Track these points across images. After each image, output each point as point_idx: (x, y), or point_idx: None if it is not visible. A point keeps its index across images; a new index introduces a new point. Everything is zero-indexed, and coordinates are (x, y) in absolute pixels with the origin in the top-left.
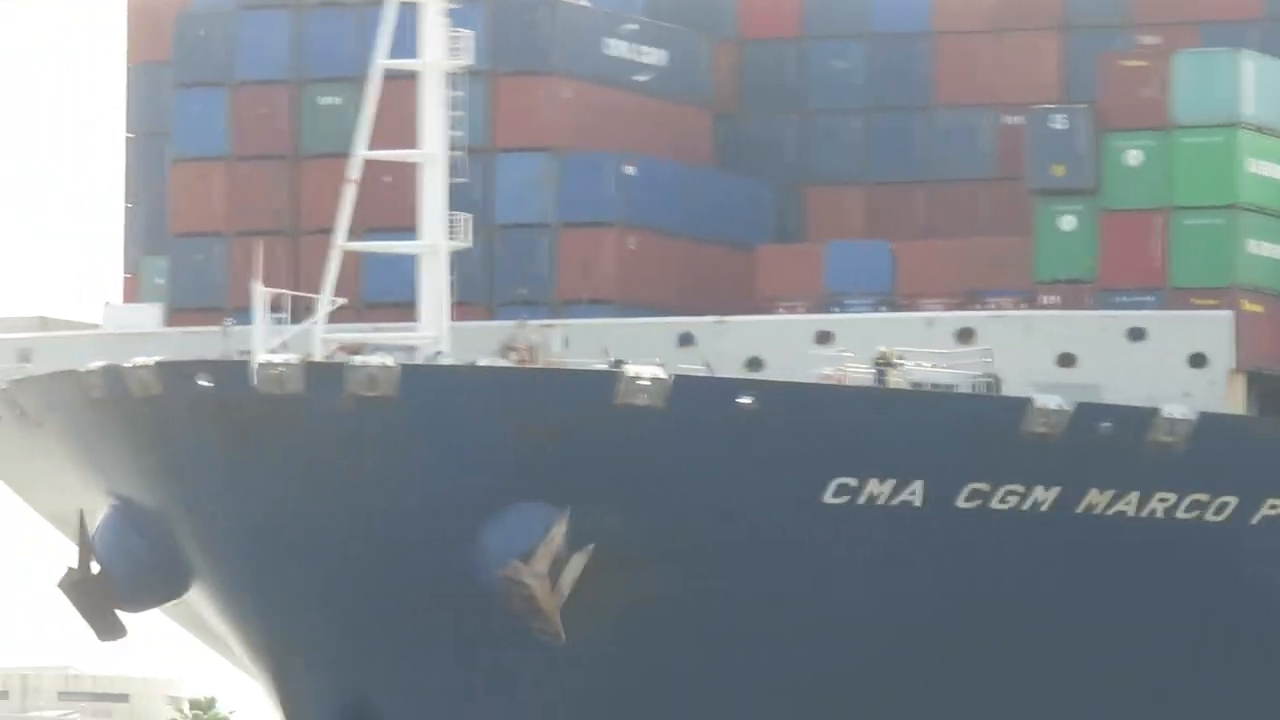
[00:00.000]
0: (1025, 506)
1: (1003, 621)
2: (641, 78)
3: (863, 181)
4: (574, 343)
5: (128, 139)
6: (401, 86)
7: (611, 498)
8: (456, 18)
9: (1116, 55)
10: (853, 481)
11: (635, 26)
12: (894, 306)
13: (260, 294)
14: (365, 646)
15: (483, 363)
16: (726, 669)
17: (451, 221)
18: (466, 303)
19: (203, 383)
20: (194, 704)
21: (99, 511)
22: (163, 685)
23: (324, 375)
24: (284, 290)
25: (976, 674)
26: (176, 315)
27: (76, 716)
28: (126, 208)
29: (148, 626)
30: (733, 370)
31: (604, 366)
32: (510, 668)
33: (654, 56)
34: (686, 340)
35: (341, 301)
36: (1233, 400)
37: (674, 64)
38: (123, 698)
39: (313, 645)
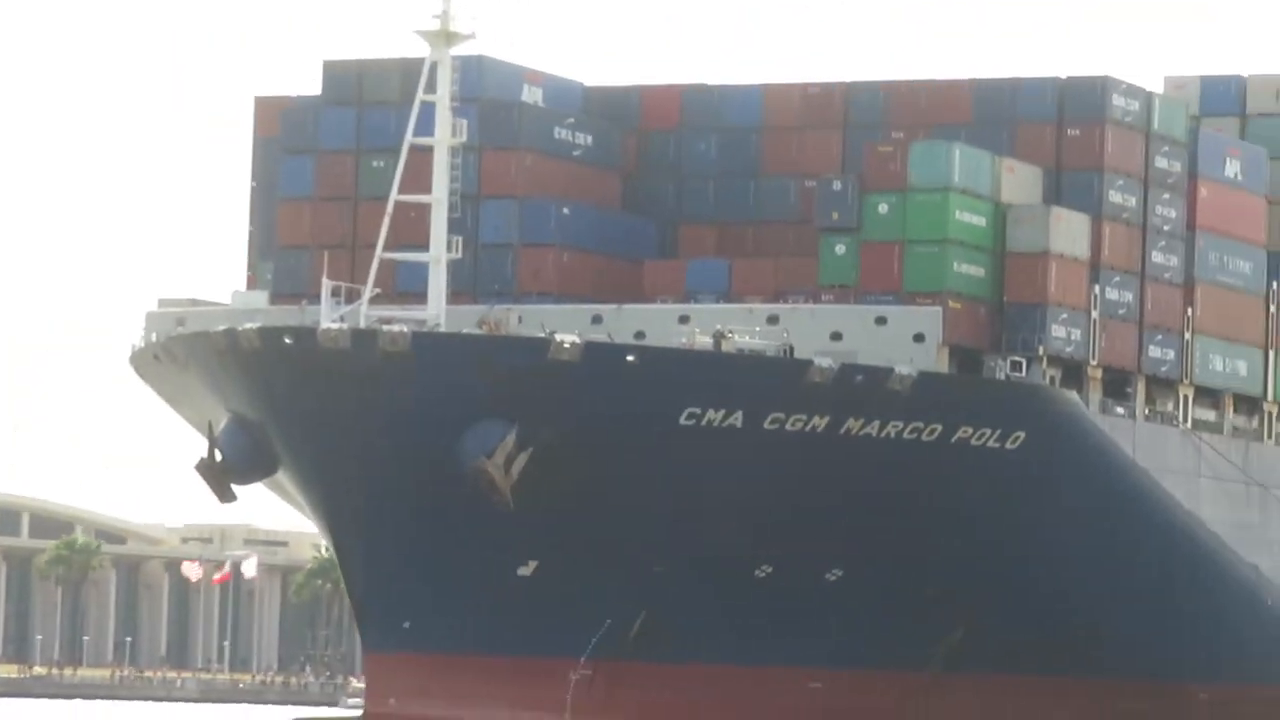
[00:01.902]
0: (807, 429)
1: (792, 500)
2: (576, 152)
3: (714, 221)
4: (526, 320)
5: (252, 186)
6: (424, 155)
7: (546, 418)
8: (458, 112)
9: (875, 144)
10: (698, 410)
11: (572, 120)
12: (729, 300)
13: (326, 286)
14: (386, 508)
15: (465, 331)
16: (619, 529)
17: (450, 241)
18: (459, 293)
19: (287, 340)
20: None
21: (221, 420)
22: (310, 535)
23: (364, 337)
24: (343, 283)
25: (779, 541)
26: (277, 298)
27: (254, 556)
28: (250, 230)
29: None
30: (626, 339)
31: (542, 335)
32: (477, 522)
33: (585, 139)
34: (597, 320)
35: (378, 291)
36: (940, 364)
37: (597, 144)
38: (284, 543)
39: (349, 508)
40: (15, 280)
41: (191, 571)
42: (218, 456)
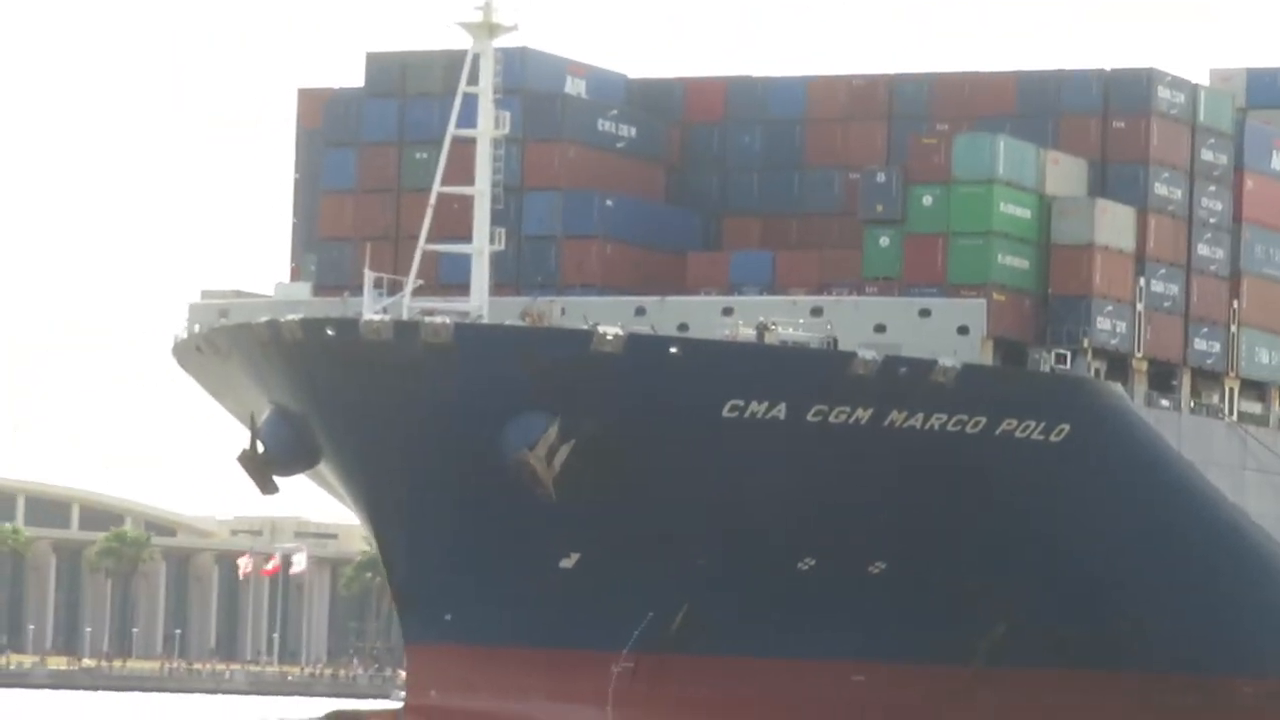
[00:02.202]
0: (850, 420)
1: (833, 491)
2: (620, 144)
3: (758, 214)
4: (569, 312)
5: (295, 178)
6: (466, 147)
7: (588, 410)
8: (500, 104)
9: (919, 136)
10: (741, 402)
11: (616, 112)
12: (773, 292)
13: (369, 277)
14: (428, 500)
15: (508, 322)
16: (662, 521)
17: (493, 233)
18: (502, 285)
19: (329, 332)
20: None
21: (263, 411)
22: (360, 528)
23: (406, 329)
24: (386, 275)
25: (822, 534)
26: (320, 290)
27: (303, 549)
28: (293, 222)
29: None
30: (669, 330)
31: (585, 327)
32: (520, 514)
33: (628, 131)
34: (640, 312)
35: (421, 283)
36: (985, 356)
37: (641, 136)
38: (334, 535)
39: (391, 500)
40: (60, 274)
41: (243, 565)
42: (260, 448)
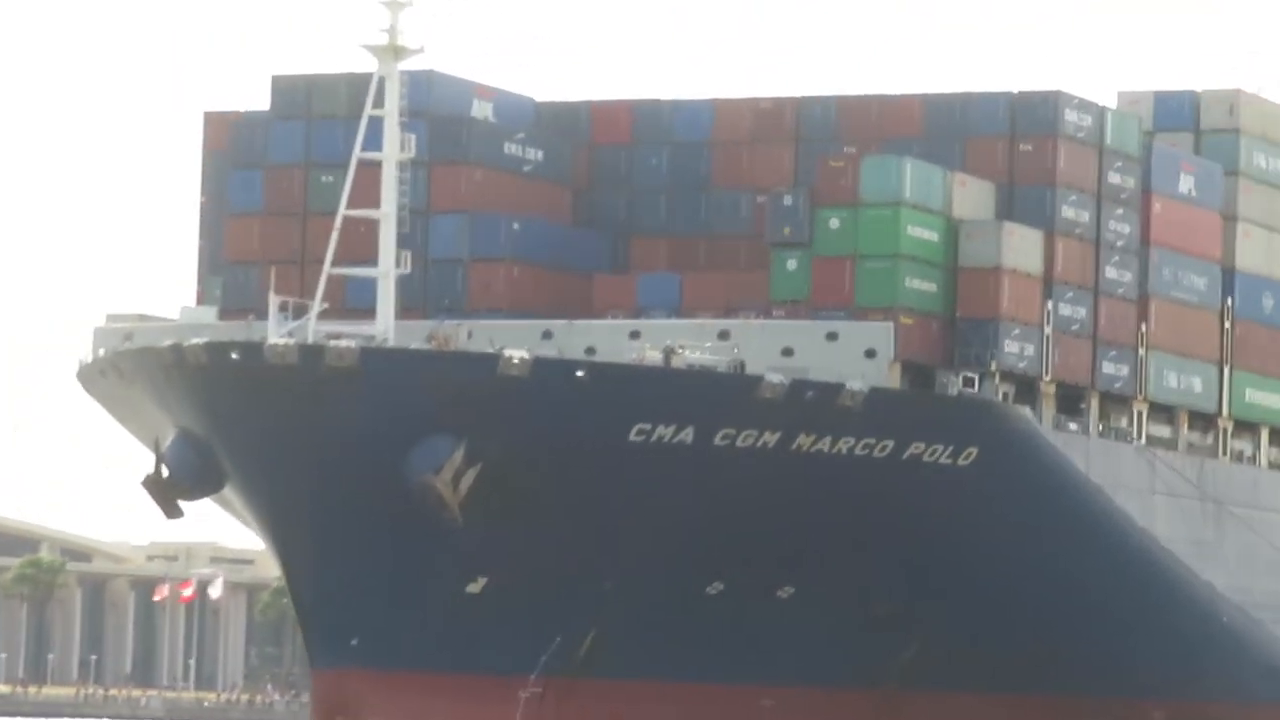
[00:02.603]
0: (758, 444)
1: (741, 515)
2: (527, 167)
3: (666, 235)
4: (475, 336)
5: (201, 201)
6: (373, 170)
7: (494, 434)
8: (406, 127)
9: (826, 158)
10: (648, 426)
11: (523, 135)
12: (680, 315)
13: (274, 301)
14: (331, 525)
15: (414, 346)
16: (569, 545)
17: (399, 256)
18: (409, 308)
19: (233, 356)
20: None
21: (168, 436)
22: None
23: (311, 353)
24: (292, 298)
25: (730, 558)
26: (226, 314)
27: (220, 575)
28: (199, 245)
29: None
30: (576, 354)
31: (491, 350)
32: (426, 538)
33: (535, 154)
34: (547, 335)
35: (326, 306)
36: (892, 379)
37: (548, 159)
38: (250, 561)
39: (297, 524)
40: None
41: (160, 591)
42: (164, 472)
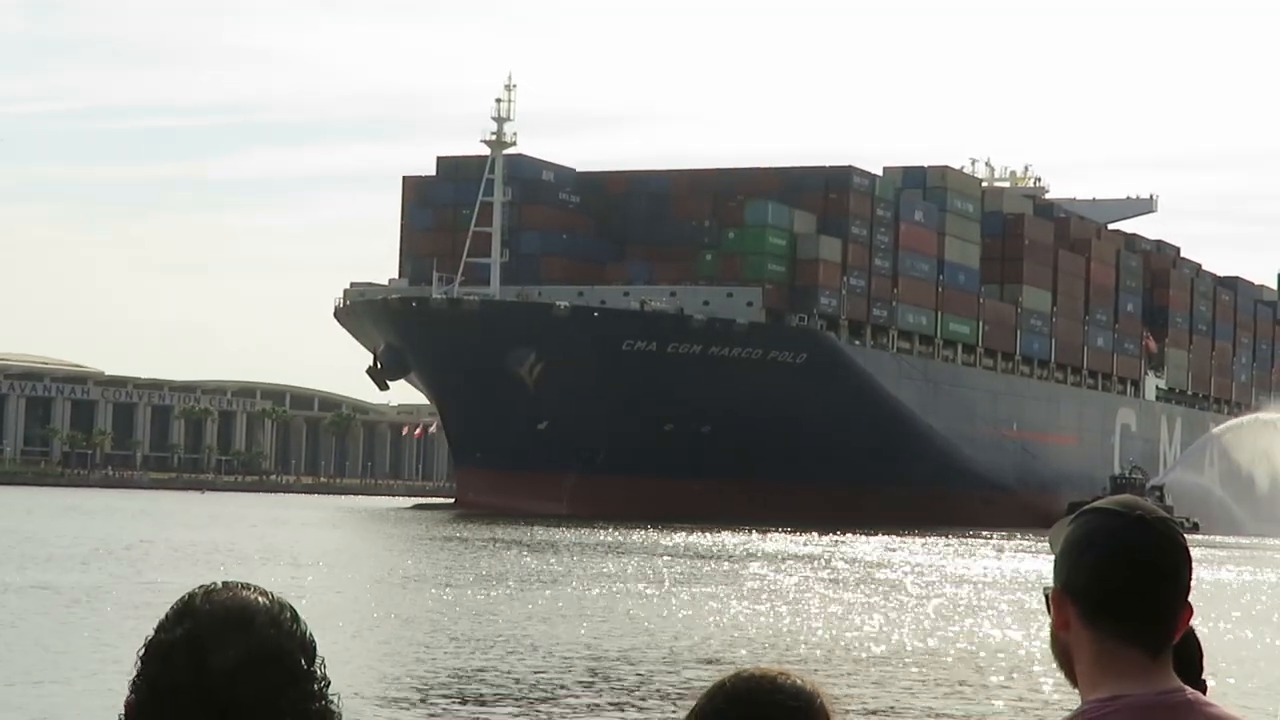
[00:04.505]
0: (690, 351)
1: (678, 386)
2: (571, 206)
3: (644, 243)
4: (545, 295)
5: (400, 223)
6: (488, 208)
7: (550, 346)
8: (506, 183)
9: (728, 201)
10: (632, 342)
11: (569, 189)
12: (650, 284)
13: (435, 276)
14: (466, 392)
15: (508, 300)
16: (588, 405)
17: (501, 252)
18: (505, 282)
19: (413, 304)
20: None
21: (380, 346)
22: None
23: (455, 302)
24: (446, 274)
25: (674, 408)
26: (413, 283)
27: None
28: (400, 246)
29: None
30: (595, 305)
31: (548, 302)
32: (515, 399)
33: (575, 199)
34: (580, 295)
35: (464, 279)
36: (762, 317)
37: (583, 202)
38: None
39: (450, 394)
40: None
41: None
42: (379, 365)
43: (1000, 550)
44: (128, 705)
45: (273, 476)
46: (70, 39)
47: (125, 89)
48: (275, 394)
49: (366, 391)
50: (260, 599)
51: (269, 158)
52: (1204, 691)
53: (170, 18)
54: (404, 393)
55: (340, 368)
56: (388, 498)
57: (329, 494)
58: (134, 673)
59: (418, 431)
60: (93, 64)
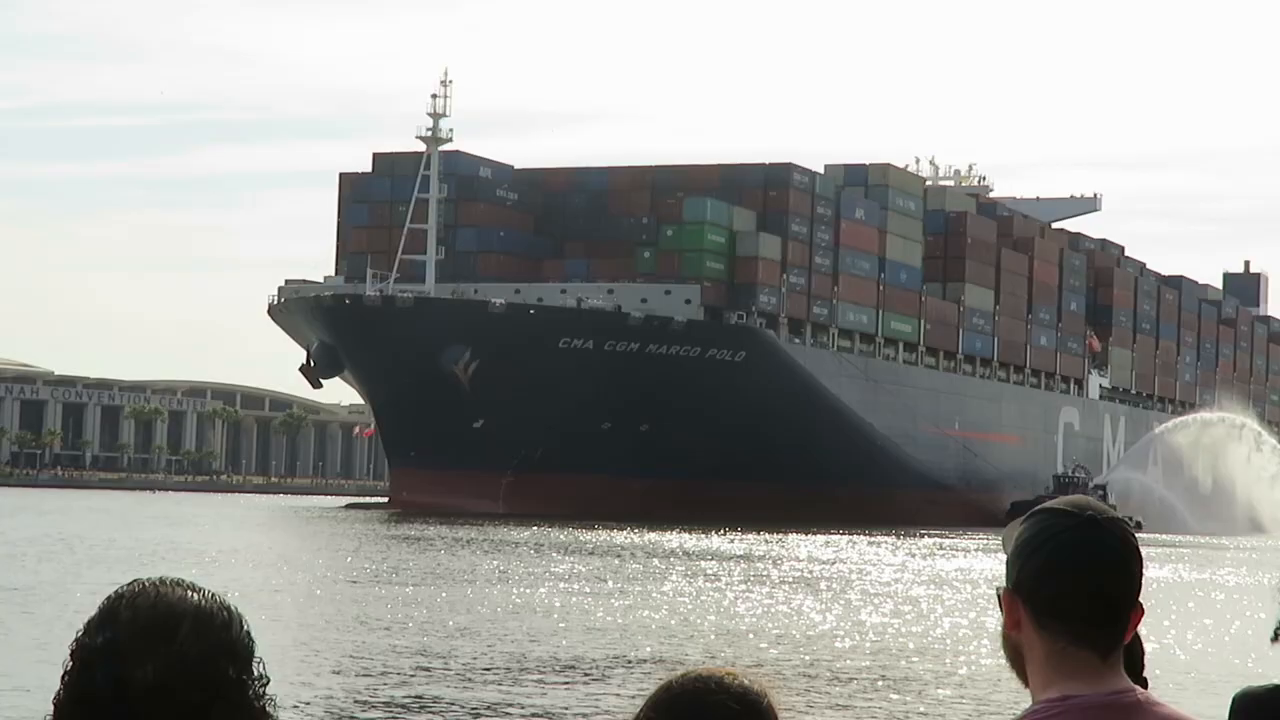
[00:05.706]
0: (628, 349)
1: (617, 387)
2: (509, 203)
3: (583, 239)
4: (480, 292)
5: (336, 220)
6: (424, 204)
7: (486, 344)
8: (443, 179)
9: (666, 198)
10: (568, 339)
11: (506, 185)
12: (588, 281)
13: (370, 274)
14: (400, 392)
15: (443, 297)
16: (524, 402)
17: (437, 249)
18: (441, 279)
19: (347, 301)
20: None
21: (313, 343)
22: None
23: (389, 300)
24: (381, 271)
25: (611, 406)
26: (347, 280)
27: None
28: (336, 242)
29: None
30: (531, 302)
31: (484, 299)
32: (450, 398)
33: (513, 196)
34: (516, 292)
35: (399, 275)
36: (700, 315)
37: (520, 199)
38: None
39: (382, 392)
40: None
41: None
42: (312, 363)
43: (940, 548)
44: (55, 703)
45: (223, 476)
46: (16, 37)
47: (73, 87)
48: (226, 394)
49: (317, 391)
50: (188, 604)
51: (217, 156)
52: (1145, 688)
53: (119, 16)
54: (355, 393)
55: (287, 367)
56: (336, 497)
57: (280, 494)
58: (61, 671)
59: (367, 431)
60: (40, 61)
